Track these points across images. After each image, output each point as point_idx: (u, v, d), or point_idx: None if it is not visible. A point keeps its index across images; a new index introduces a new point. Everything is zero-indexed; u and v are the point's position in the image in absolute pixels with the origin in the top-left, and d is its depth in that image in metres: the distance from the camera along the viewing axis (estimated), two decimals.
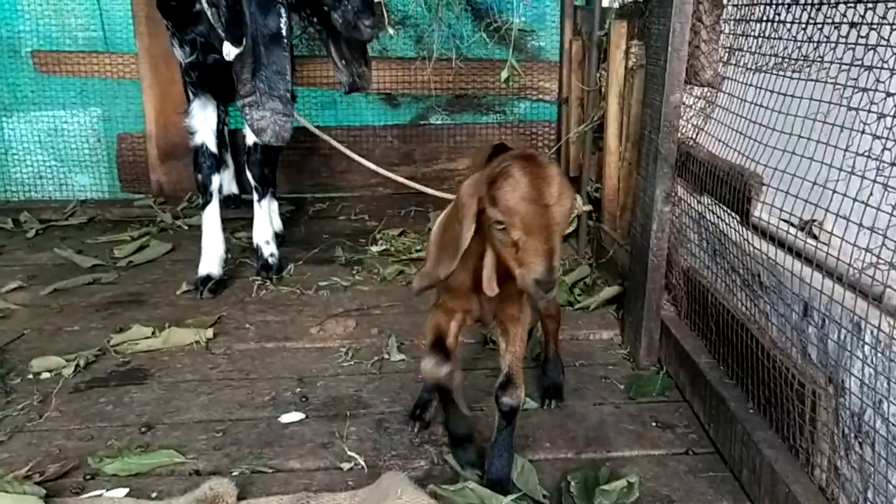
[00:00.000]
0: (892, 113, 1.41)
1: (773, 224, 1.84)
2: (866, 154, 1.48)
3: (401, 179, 3.46)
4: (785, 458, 1.78)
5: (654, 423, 2.27)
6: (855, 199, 1.49)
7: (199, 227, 4.06)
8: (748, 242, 1.97)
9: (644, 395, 2.42)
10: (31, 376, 2.60)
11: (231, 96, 3.40)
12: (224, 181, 4.49)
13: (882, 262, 1.42)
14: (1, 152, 4.62)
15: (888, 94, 1.42)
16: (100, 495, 1.98)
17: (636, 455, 2.12)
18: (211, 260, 3.35)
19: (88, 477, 2.06)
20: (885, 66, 1.44)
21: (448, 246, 1.71)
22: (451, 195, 2.31)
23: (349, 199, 4.70)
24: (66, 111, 4.60)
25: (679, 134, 2.38)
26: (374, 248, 3.86)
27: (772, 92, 1.86)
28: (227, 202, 4.45)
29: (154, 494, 1.99)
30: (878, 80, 1.46)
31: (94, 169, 4.68)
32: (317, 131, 3.55)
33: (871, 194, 1.46)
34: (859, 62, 1.51)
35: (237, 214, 4.24)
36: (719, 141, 2.16)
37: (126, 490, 2.01)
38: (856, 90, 1.51)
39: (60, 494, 1.97)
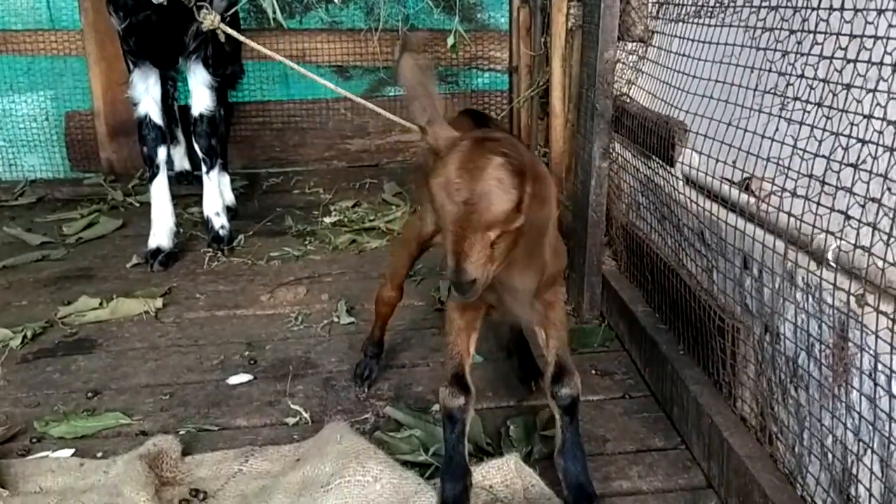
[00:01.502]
0: (794, 49, 1.47)
1: (707, 176, 1.89)
2: (772, 91, 1.54)
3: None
4: (709, 392, 1.85)
5: (593, 371, 2.34)
6: (764, 137, 1.56)
7: (149, 204, 4.07)
8: (678, 192, 2.03)
9: (585, 346, 2.48)
10: None
11: (172, 62, 3.38)
12: (176, 157, 4.47)
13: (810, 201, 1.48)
14: None
15: (791, 32, 1.48)
16: (45, 456, 2.00)
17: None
18: (161, 232, 3.34)
19: (34, 440, 2.08)
20: (790, 4, 1.49)
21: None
22: None
23: (303, 174, 4.69)
24: (13, 91, 4.53)
25: (614, 90, 2.43)
26: (327, 220, 3.87)
27: (692, 41, 1.92)
28: (179, 178, 4.43)
29: (100, 454, 2.00)
30: (783, 19, 1.52)
31: (43, 148, 4.61)
32: (353, 97, 3.45)
33: (776, 129, 1.52)
34: (766, 4, 1.57)
35: (189, 191, 4.22)
36: (649, 93, 2.22)
37: (72, 451, 2.02)
38: (763, 30, 1.57)
39: (6, 456, 1.98)
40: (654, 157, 2.12)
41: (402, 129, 4.84)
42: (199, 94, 3.40)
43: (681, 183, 1.95)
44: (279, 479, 1.85)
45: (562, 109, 3.32)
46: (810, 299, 1.46)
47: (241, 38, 3.31)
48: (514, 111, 4.41)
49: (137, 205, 4.13)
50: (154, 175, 3.34)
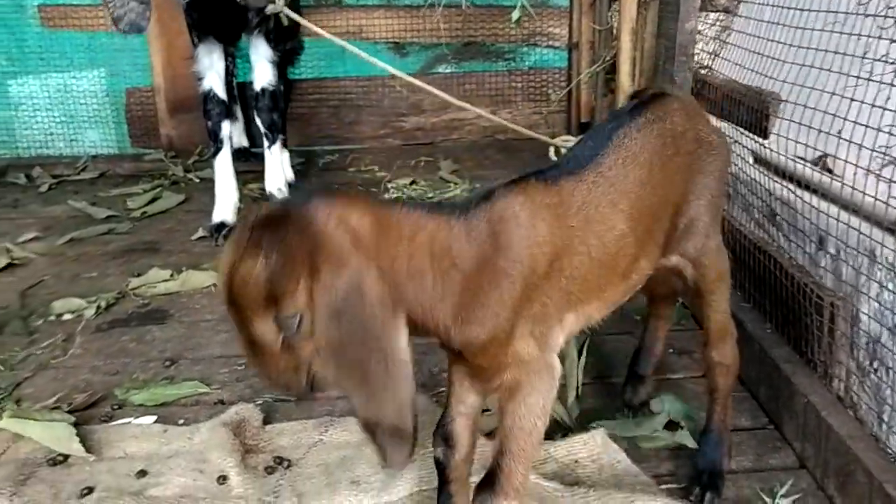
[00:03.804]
0: None
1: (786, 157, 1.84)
2: (884, 59, 1.47)
3: (505, 122, 3.31)
4: (802, 371, 1.80)
5: (671, 350, 2.29)
6: (874, 105, 1.49)
7: (210, 180, 4.07)
8: (764, 170, 1.98)
9: None
10: (52, 318, 2.63)
11: (236, 36, 3.38)
12: (234, 134, 4.48)
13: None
14: (11, 109, 4.61)
15: None
16: (128, 422, 2.02)
17: (654, 379, 2.14)
18: (225, 207, 3.36)
19: (116, 407, 2.11)
20: None
21: None
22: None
23: (359, 151, 4.69)
24: (74, 66, 4.58)
25: (694, 62, 2.37)
26: (386, 197, 3.86)
27: (789, 8, 1.85)
28: (237, 155, 4.44)
29: (181, 421, 2.03)
30: None
31: (103, 124, 4.67)
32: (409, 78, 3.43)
33: (888, 98, 1.46)
34: None
35: (248, 167, 4.24)
36: (737, 65, 2.15)
37: (154, 418, 2.05)
38: None
39: (89, 422, 2.01)
40: (743, 129, 2.05)
41: (457, 107, 4.80)
42: (261, 68, 3.40)
43: (779, 156, 1.89)
44: (361, 450, 1.85)
45: (629, 85, 3.25)
46: None
47: (302, 21, 3.31)
48: (573, 89, 4.35)
49: (198, 180, 4.16)
50: (218, 150, 3.35)
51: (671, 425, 1.88)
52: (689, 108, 1.57)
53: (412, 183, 4.04)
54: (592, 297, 1.37)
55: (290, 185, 3.72)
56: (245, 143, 4.49)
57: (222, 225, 3.33)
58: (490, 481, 1.32)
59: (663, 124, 1.47)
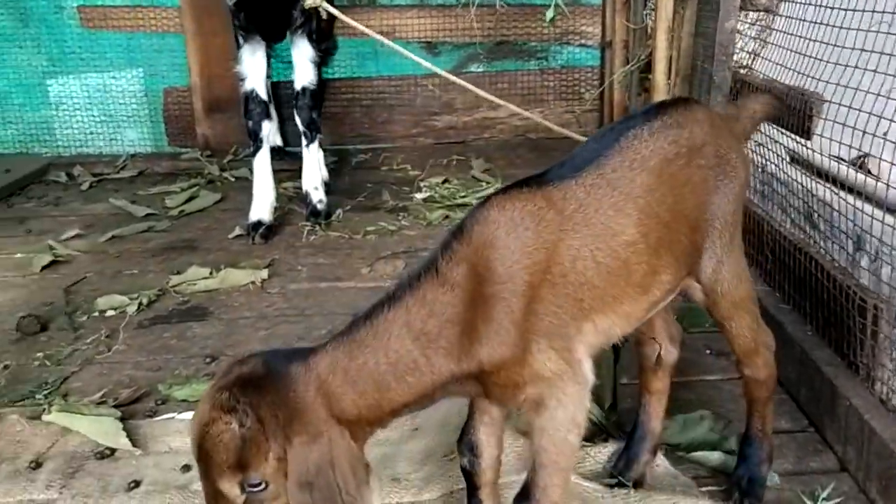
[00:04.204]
0: None
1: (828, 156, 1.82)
2: None
3: (543, 121, 3.31)
4: (844, 374, 1.79)
5: (707, 351, 2.29)
6: None
7: (245, 179, 4.15)
8: (803, 170, 1.96)
9: (697, 326, 2.42)
10: (96, 314, 2.69)
11: (280, 36, 3.42)
12: (269, 133, 4.54)
13: None
14: (51, 108, 4.71)
15: None
16: (172, 417, 2.07)
17: (691, 380, 2.14)
18: (262, 206, 3.40)
19: (160, 402, 2.16)
20: None
21: None
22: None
23: (391, 150, 4.71)
24: (113, 66, 4.66)
25: (733, 62, 2.36)
26: (419, 196, 3.88)
27: (831, 8, 1.83)
28: (271, 154, 4.50)
29: None
30: None
31: (142, 124, 4.75)
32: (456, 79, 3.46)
33: None
34: None
35: (281, 166, 4.28)
36: (777, 64, 2.13)
37: None
38: None
39: (134, 417, 2.06)
40: (785, 130, 2.04)
41: (489, 106, 4.81)
42: (303, 67, 3.44)
43: (818, 156, 1.87)
44: (400, 447, 1.88)
45: (664, 84, 3.23)
46: None
47: (342, 16, 3.35)
48: (606, 89, 4.33)
49: (233, 179, 4.22)
50: (258, 149, 3.40)
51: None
52: (713, 121, 1.49)
53: (444, 181, 4.06)
54: (608, 308, 1.33)
55: (325, 184, 3.74)
56: (278, 141, 4.54)
57: (259, 223, 3.37)
58: (527, 495, 1.32)
59: (679, 132, 1.41)
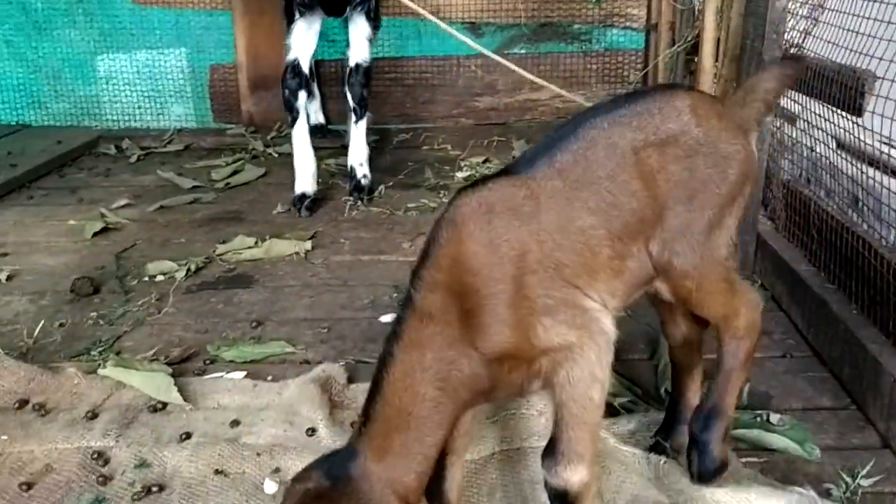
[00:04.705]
0: None
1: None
2: None
3: (585, 102, 3.30)
4: (890, 352, 1.78)
5: None
6: None
7: (288, 155, 4.20)
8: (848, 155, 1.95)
9: None
10: (146, 279, 2.77)
11: (341, 10, 3.44)
12: (311, 111, 4.60)
13: None
14: (101, 84, 4.82)
15: None
16: (220, 376, 2.13)
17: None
18: (305, 178, 3.45)
19: (208, 362, 2.22)
20: None
21: None
22: None
23: (432, 130, 4.74)
24: (162, 43, 4.76)
25: (784, 41, 2.34)
26: (460, 175, 3.91)
27: None
28: (314, 132, 4.56)
29: (269, 378, 2.12)
30: None
31: (188, 99, 4.84)
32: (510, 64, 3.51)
33: None
34: None
35: (323, 144, 4.34)
36: (829, 42, 2.12)
37: (243, 373, 2.16)
38: None
39: (184, 375, 2.12)
40: (835, 107, 2.03)
41: (531, 88, 4.81)
42: (359, 44, 3.46)
43: (868, 132, 1.86)
44: None
45: (711, 66, 3.21)
46: None
47: None
48: (651, 71, 4.30)
49: (276, 155, 4.28)
50: (294, 119, 3.44)
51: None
52: (698, 109, 1.42)
53: (485, 161, 4.09)
54: (587, 284, 1.33)
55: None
56: (321, 119, 4.60)
57: (304, 196, 3.42)
58: (552, 449, 1.33)
59: (649, 119, 1.38)
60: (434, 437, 1.26)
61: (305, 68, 3.44)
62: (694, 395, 1.72)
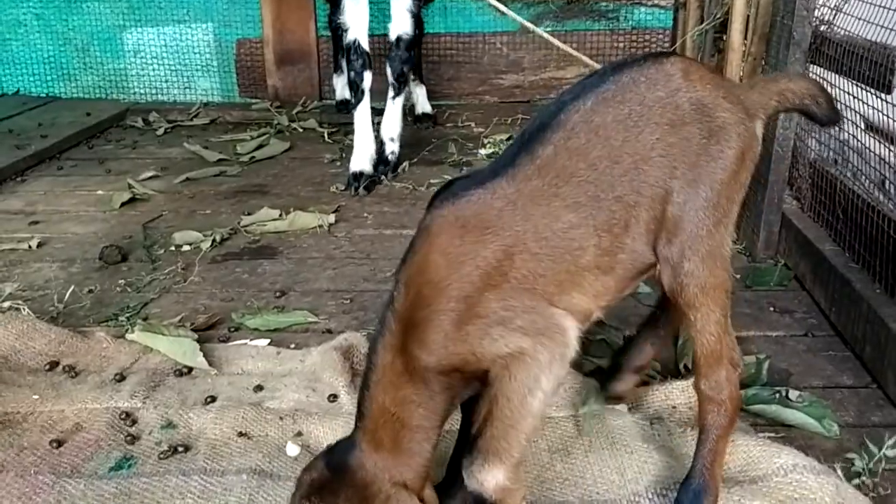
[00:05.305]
0: None
1: None
2: None
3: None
4: None
5: (771, 308, 2.28)
6: None
7: (313, 130, 4.25)
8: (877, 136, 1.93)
9: (761, 285, 2.42)
10: (172, 248, 2.82)
11: None
12: (338, 86, 4.62)
13: None
14: (129, 57, 4.87)
15: None
16: (244, 343, 2.17)
17: (753, 335, 2.15)
18: (362, 156, 3.44)
19: (233, 329, 2.26)
20: None
21: None
22: None
23: (455, 107, 4.74)
24: (189, 18, 4.79)
25: (814, 17, 2.31)
26: (483, 151, 3.91)
27: None
28: (339, 107, 4.59)
29: (292, 346, 2.16)
30: None
31: (214, 73, 4.88)
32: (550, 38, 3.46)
33: None
34: None
35: (348, 119, 4.35)
36: (860, 19, 2.09)
37: (267, 341, 2.19)
38: None
39: (210, 341, 2.16)
40: (864, 85, 2.00)
41: (556, 66, 4.78)
42: (401, 17, 3.43)
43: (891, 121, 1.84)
44: None
45: (740, 44, 3.17)
46: None
47: None
48: (678, 49, 4.25)
49: (301, 130, 4.30)
50: (359, 101, 3.42)
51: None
52: (691, 74, 1.31)
53: (509, 139, 4.07)
54: (566, 291, 1.27)
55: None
56: (347, 94, 4.59)
57: (360, 174, 3.41)
58: (471, 446, 1.30)
59: (634, 89, 1.28)
60: (423, 433, 1.29)
61: (366, 46, 3.42)
62: (649, 347, 1.69)
